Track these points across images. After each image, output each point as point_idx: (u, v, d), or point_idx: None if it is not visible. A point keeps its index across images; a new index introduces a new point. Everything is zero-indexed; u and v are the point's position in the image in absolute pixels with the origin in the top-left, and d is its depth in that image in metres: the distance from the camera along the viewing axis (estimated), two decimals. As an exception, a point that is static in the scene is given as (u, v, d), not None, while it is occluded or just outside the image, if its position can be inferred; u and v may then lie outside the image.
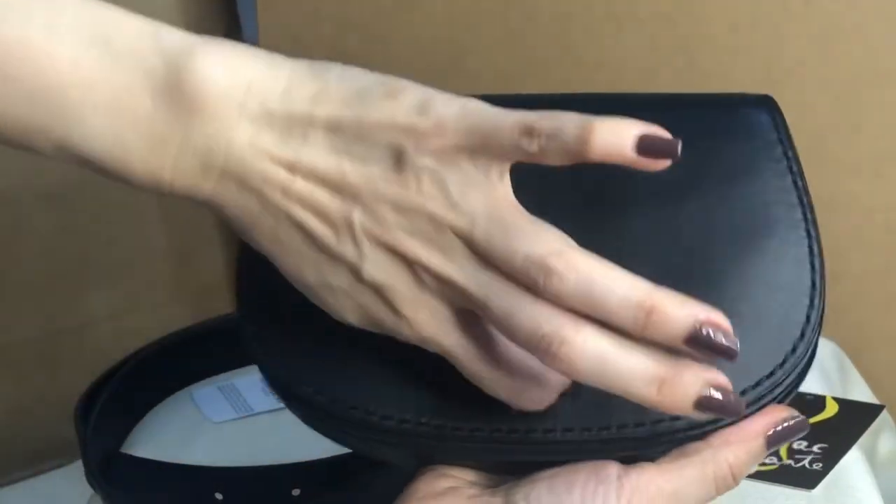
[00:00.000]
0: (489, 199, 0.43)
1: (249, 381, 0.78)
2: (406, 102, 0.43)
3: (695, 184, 0.48)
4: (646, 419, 0.45)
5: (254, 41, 0.93)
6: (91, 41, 0.44)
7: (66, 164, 0.46)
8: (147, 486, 0.69)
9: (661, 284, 0.43)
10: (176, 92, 0.43)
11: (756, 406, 0.45)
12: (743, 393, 0.45)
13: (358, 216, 0.43)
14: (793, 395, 0.47)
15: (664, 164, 0.42)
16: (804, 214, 0.48)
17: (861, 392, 0.84)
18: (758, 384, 0.45)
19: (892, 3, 0.84)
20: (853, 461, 0.68)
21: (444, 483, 0.46)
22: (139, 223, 0.87)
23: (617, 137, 0.41)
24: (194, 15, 0.90)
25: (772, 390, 0.46)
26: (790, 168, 0.49)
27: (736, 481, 0.45)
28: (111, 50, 0.44)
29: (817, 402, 0.69)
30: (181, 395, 0.78)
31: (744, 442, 0.45)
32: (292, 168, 0.44)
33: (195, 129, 0.43)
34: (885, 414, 0.78)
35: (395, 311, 0.44)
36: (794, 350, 0.46)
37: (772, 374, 0.46)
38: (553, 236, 0.42)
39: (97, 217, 0.85)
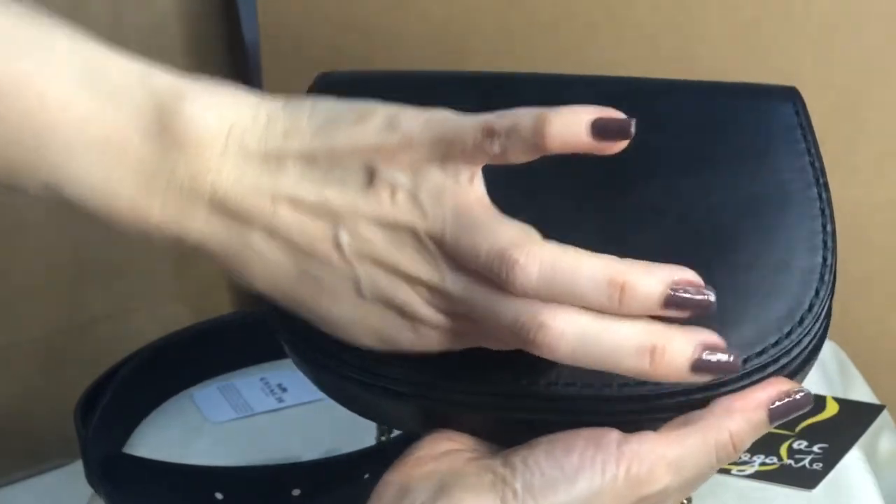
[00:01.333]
0: (459, 203, 0.43)
1: (249, 382, 0.78)
2: (374, 123, 0.44)
3: (711, 159, 0.49)
4: None
5: (254, 41, 0.93)
6: (82, 82, 0.44)
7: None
8: (147, 486, 0.69)
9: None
10: (164, 132, 0.44)
11: (761, 375, 0.45)
12: (746, 361, 0.45)
13: (345, 237, 0.44)
14: (804, 371, 0.47)
15: (621, 145, 0.42)
16: (819, 194, 0.49)
17: (861, 392, 0.84)
18: (762, 352, 0.45)
19: (892, 3, 0.84)
20: (853, 461, 0.68)
21: (445, 446, 0.47)
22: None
23: (571, 126, 0.42)
24: (194, 15, 0.90)
25: (776, 359, 0.46)
26: (808, 150, 0.50)
27: (737, 451, 0.45)
28: (102, 90, 0.44)
29: (817, 402, 0.69)
30: (181, 396, 0.78)
31: (746, 411, 0.45)
32: (274, 199, 0.44)
33: (180, 168, 0.44)
34: (885, 414, 0.78)
35: (408, 321, 0.45)
36: (801, 321, 0.46)
37: (777, 343, 0.46)
38: (515, 230, 0.43)
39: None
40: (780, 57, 0.86)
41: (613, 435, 0.44)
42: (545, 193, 0.48)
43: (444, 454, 0.46)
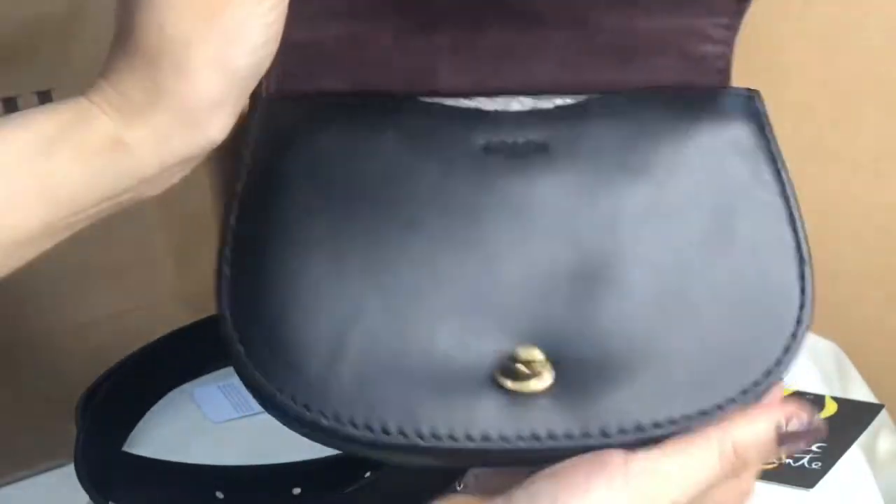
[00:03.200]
0: None
1: (249, 381, 0.78)
2: None
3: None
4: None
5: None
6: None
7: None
8: (147, 485, 0.69)
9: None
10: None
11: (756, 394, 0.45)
12: (745, 393, 0.45)
13: None
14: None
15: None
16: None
17: (860, 391, 0.84)
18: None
19: (892, 3, 0.84)
20: (852, 460, 0.68)
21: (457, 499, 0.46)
22: (139, 223, 0.87)
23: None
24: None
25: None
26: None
27: (741, 460, 0.45)
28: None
29: (817, 402, 0.69)
30: (181, 395, 0.78)
31: (749, 423, 0.45)
32: None
33: None
34: (884, 413, 0.78)
35: None
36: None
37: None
38: None
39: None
40: (780, 57, 0.86)
41: (617, 454, 0.44)
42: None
43: None
